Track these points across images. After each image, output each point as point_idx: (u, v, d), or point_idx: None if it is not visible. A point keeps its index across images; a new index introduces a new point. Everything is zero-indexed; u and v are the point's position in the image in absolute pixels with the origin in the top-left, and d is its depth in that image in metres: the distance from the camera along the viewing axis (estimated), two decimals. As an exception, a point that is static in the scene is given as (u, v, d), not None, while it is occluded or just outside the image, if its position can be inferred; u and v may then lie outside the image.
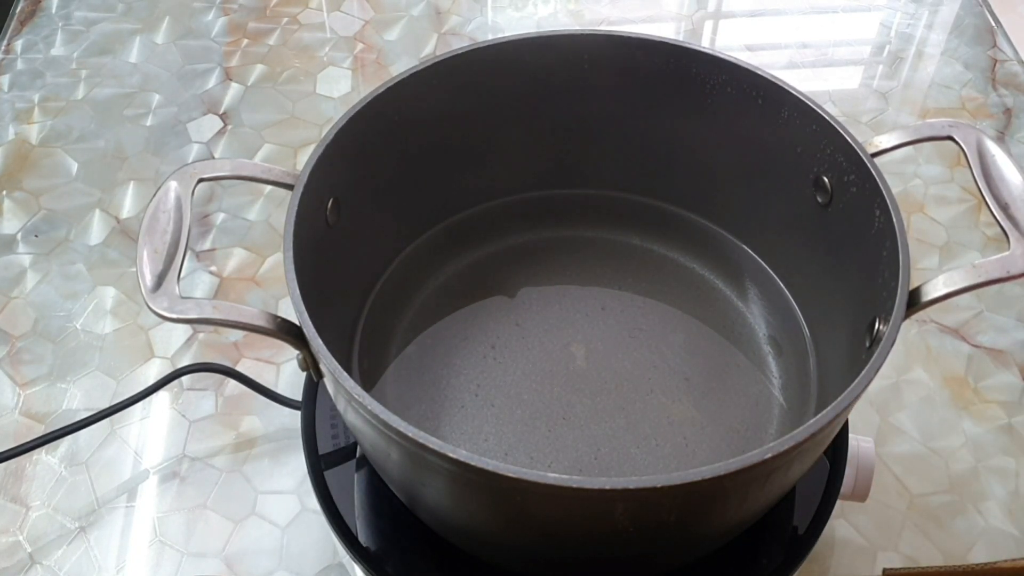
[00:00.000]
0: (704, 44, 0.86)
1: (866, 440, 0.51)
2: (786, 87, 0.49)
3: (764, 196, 0.54)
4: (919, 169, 0.76)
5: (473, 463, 0.35)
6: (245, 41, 0.86)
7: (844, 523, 0.56)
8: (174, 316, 0.39)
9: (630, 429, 0.50)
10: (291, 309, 0.40)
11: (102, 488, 0.58)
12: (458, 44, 0.86)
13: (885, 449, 0.60)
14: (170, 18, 0.88)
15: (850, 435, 0.51)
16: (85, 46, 0.85)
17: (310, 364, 0.42)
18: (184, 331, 0.65)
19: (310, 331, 0.39)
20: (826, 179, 0.49)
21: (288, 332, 0.40)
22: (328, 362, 0.38)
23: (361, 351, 0.53)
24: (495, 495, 0.38)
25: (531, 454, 0.49)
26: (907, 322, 0.41)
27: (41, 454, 0.59)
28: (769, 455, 0.35)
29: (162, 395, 0.62)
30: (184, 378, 0.62)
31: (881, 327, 0.42)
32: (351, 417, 0.40)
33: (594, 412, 0.51)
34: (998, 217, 0.42)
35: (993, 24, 0.89)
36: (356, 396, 0.37)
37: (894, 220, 0.43)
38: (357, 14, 0.89)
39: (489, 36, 0.86)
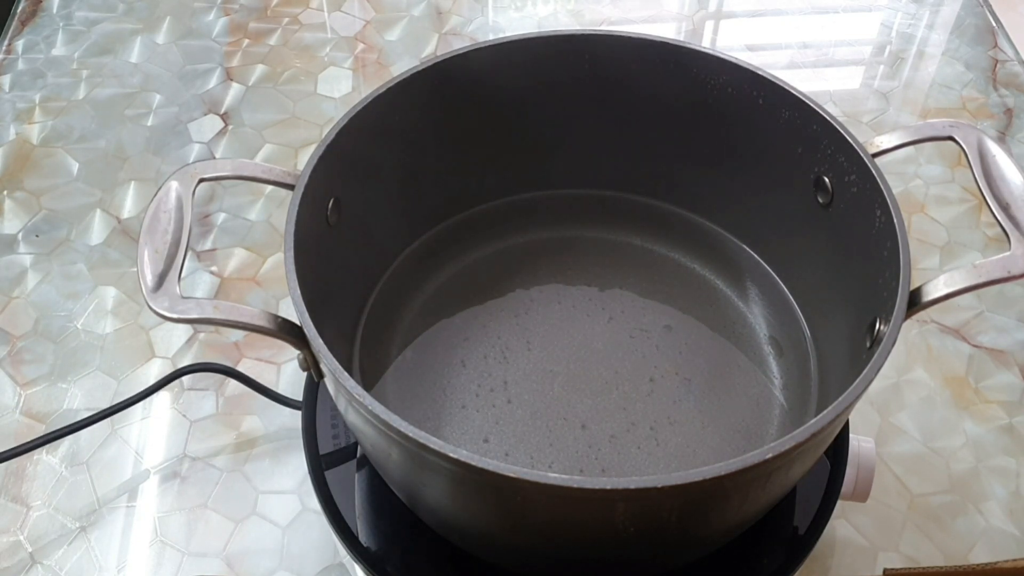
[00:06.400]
0: (705, 44, 0.86)
1: (867, 440, 0.51)
2: (787, 87, 0.49)
3: (765, 196, 0.54)
4: (920, 169, 0.76)
5: (474, 463, 0.35)
6: (246, 41, 0.86)
7: (845, 523, 0.56)
8: (175, 316, 0.39)
9: (630, 429, 0.50)
10: (292, 309, 0.40)
11: (103, 488, 0.58)
12: (459, 44, 0.86)
13: (886, 449, 0.60)
14: (171, 18, 0.88)
15: (851, 435, 0.51)
16: (86, 46, 0.86)
17: (311, 364, 0.42)
18: (185, 331, 0.65)
19: (311, 331, 0.39)
20: (827, 179, 0.49)
21: (289, 332, 0.40)
22: (329, 362, 0.38)
23: (362, 351, 0.53)
24: (496, 495, 0.38)
25: (531, 454, 0.49)
26: (908, 322, 0.41)
27: (42, 454, 0.59)
28: (770, 455, 0.35)
29: (163, 395, 0.62)
30: (185, 378, 0.62)
31: (882, 327, 0.42)
32: (352, 417, 0.40)
33: (594, 412, 0.51)
34: (999, 217, 0.42)
35: (994, 24, 0.89)
36: (357, 396, 0.37)
37: (895, 220, 0.43)
38: (358, 14, 0.89)
39: (490, 36, 0.86)
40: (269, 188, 0.73)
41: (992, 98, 0.81)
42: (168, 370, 0.62)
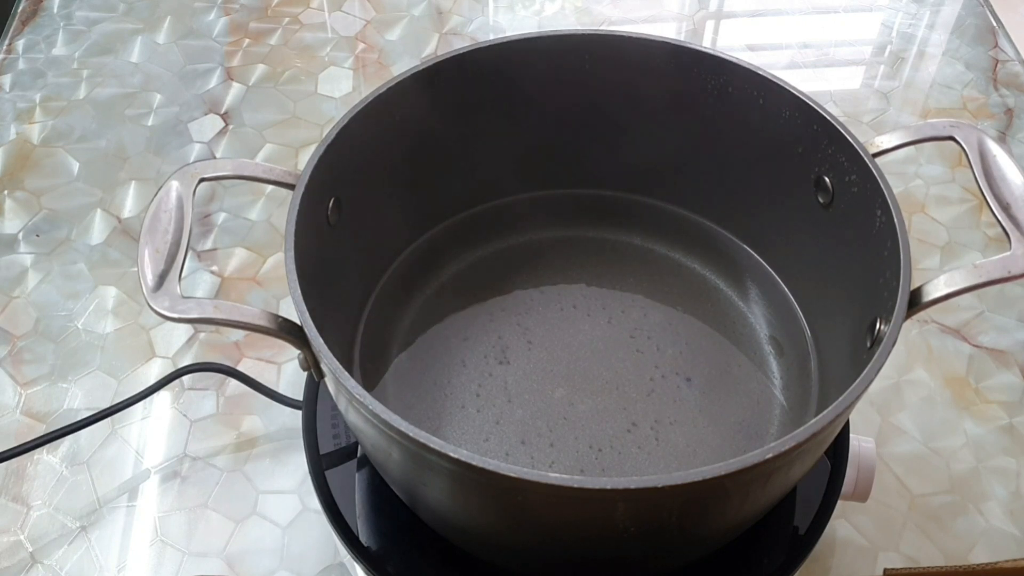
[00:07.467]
0: (705, 44, 0.86)
1: (867, 440, 0.51)
2: (787, 87, 0.49)
3: (765, 196, 0.54)
4: (920, 169, 0.76)
5: (474, 463, 0.35)
6: (246, 41, 0.86)
7: (845, 523, 0.56)
8: (175, 316, 0.39)
9: (631, 429, 0.50)
10: (292, 309, 0.40)
11: (103, 488, 0.58)
12: (459, 44, 0.86)
13: (886, 449, 0.60)
14: (171, 18, 0.88)
15: (851, 435, 0.51)
16: (86, 46, 0.86)
17: (311, 364, 0.42)
18: (185, 331, 0.65)
19: (311, 331, 0.39)
20: (827, 179, 0.49)
21: (289, 332, 0.40)
22: (329, 362, 0.38)
23: (362, 351, 0.53)
24: (496, 495, 0.38)
25: (532, 454, 0.49)
26: (908, 322, 0.41)
27: (42, 454, 0.59)
28: (770, 455, 0.35)
29: (163, 395, 0.62)
30: (185, 378, 0.62)
31: (882, 327, 0.42)
32: (352, 417, 0.40)
33: (595, 412, 0.51)
34: (999, 217, 0.42)
35: (994, 24, 0.89)
36: (357, 396, 0.37)
37: (895, 220, 0.43)
38: (358, 14, 0.89)
39: (491, 36, 0.85)
40: (269, 188, 0.73)
41: (992, 98, 0.81)
42: (168, 370, 0.62)
